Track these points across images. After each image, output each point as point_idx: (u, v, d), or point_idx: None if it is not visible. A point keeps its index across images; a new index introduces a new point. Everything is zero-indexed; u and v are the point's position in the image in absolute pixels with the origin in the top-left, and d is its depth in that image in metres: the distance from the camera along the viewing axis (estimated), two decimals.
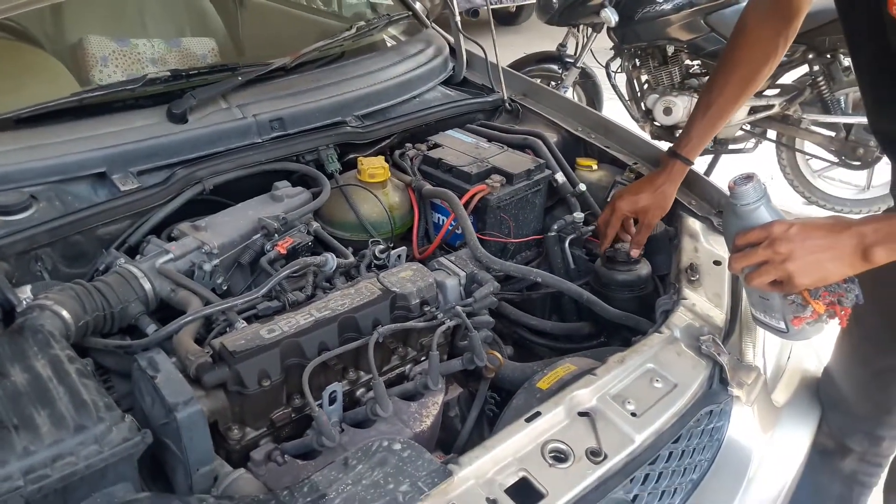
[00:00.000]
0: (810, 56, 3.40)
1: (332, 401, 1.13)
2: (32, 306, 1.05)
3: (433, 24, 2.04)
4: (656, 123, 3.81)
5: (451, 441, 1.33)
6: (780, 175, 3.92)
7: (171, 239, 1.29)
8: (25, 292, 1.13)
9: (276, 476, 1.05)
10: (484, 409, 1.36)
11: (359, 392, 1.22)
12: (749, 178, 1.13)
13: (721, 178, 3.78)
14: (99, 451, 0.86)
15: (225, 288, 1.30)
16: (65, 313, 1.05)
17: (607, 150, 1.74)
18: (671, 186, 1.47)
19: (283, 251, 1.29)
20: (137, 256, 1.26)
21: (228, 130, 1.46)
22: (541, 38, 4.13)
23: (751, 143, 3.80)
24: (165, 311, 1.22)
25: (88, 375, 0.95)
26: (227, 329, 1.16)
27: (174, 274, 1.20)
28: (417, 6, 2.06)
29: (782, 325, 1.16)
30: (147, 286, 1.17)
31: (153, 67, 1.97)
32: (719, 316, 1.33)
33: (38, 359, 0.95)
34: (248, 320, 1.19)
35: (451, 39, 1.98)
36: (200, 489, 0.99)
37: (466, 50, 1.99)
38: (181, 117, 1.42)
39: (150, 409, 1.01)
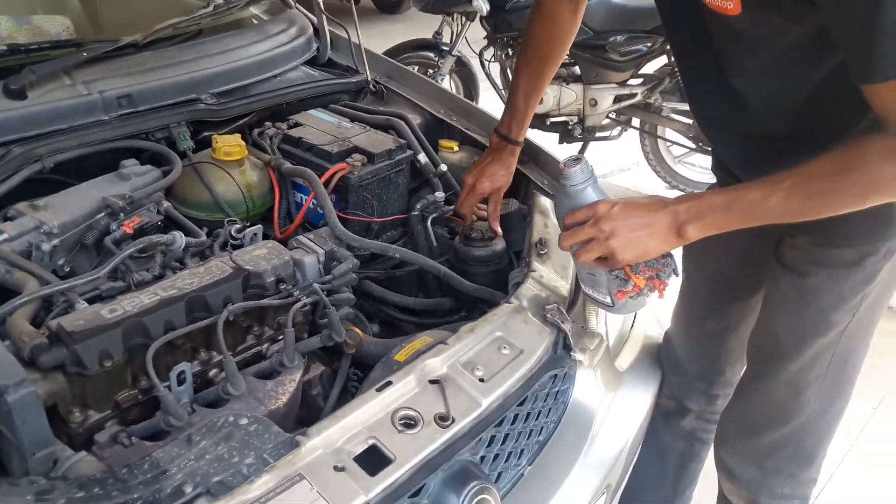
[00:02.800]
0: (668, 46, 3.61)
1: (180, 381, 1.11)
2: None
3: (297, 5, 2.02)
4: None
5: (313, 419, 1.33)
6: (644, 161, 4.15)
7: (7, 219, 1.22)
8: None
9: (121, 458, 1.02)
10: (347, 385, 1.37)
11: (212, 373, 1.20)
12: (577, 160, 1.20)
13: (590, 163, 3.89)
14: None
15: (67, 270, 1.25)
16: None
17: (468, 132, 1.79)
18: (513, 165, 1.58)
19: (130, 231, 1.25)
20: None
21: (72, 107, 1.39)
22: (422, 27, 4.18)
23: (616, 131, 4.01)
24: (2, 295, 1.16)
25: None
26: (68, 311, 1.11)
27: (8, 254, 1.14)
28: None
29: (608, 300, 1.24)
30: None
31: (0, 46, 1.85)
32: (565, 287, 1.41)
33: None
34: (91, 302, 1.15)
35: (315, 20, 1.97)
36: (37, 474, 0.96)
37: (332, 32, 1.99)
38: (19, 93, 1.35)
39: None
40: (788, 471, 1.44)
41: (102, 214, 1.27)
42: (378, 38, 4.19)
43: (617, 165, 4.46)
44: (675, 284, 1.60)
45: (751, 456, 1.47)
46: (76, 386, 1.05)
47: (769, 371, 1.39)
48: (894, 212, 1.17)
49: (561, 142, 4.00)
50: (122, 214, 1.27)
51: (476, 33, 3.96)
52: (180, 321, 1.14)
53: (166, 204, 1.37)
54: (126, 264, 1.20)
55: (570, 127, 3.95)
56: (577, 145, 4.03)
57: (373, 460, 1.00)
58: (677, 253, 1.21)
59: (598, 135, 4.00)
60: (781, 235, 1.31)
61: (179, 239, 1.26)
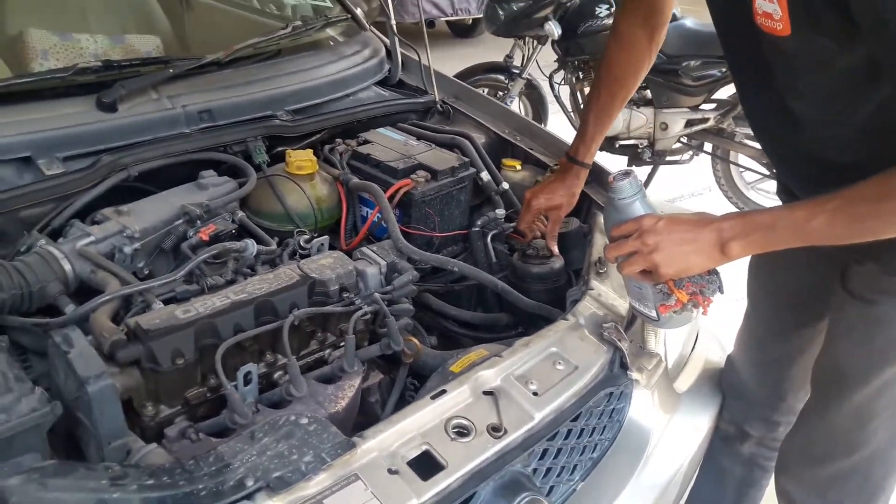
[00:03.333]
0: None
1: (247, 381, 1.16)
2: None
3: (372, 28, 2.10)
4: None
5: (371, 425, 1.37)
6: (716, 186, 4.07)
7: (94, 223, 1.31)
8: None
9: (189, 452, 1.08)
10: (404, 394, 1.40)
11: (276, 375, 1.26)
12: (627, 174, 1.21)
13: (659, 188, 3.90)
14: (6, 420, 0.88)
15: (147, 272, 1.33)
16: None
17: (531, 151, 1.82)
18: (577, 186, 1.58)
19: (206, 238, 1.32)
20: (60, 239, 1.28)
21: (156, 120, 1.49)
22: (495, 50, 4.23)
23: (687, 155, 3.95)
24: (87, 293, 1.24)
25: (1, 348, 0.97)
26: (145, 310, 1.19)
27: (94, 255, 1.22)
28: (357, 11, 2.12)
29: (653, 314, 1.24)
30: (67, 267, 1.19)
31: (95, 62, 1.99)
32: (623, 306, 1.40)
33: None
34: (167, 303, 1.22)
35: (388, 42, 2.04)
36: (112, 461, 1.02)
37: (404, 54, 2.05)
38: (110, 106, 1.45)
39: (64, 384, 1.04)
40: (852, 503, 1.39)
41: (181, 221, 1.35)
42: (452, 60, 4.27)
43: (688, 190, 4.38)
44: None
45: (814, 486, 1.42)
46: (150, 381, 1.11)
47: (833, 399, 1.34)
48: None
49: (630, 164, 3.97)
50: (198, 222, 1.34)
51: (547, 57, 3.99)
52: (249, 324, 1.19)
53: (241, 213, 1.44)
54: (200, 269, 1.27)
55: (639, 150, 3.91)
56: (674, 171, 3.97)
57: (426, 466, 1.03)
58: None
59: (668, 159, 3.95)
60: (847, 262, 1.28)
61: (251, 247, 1.32)
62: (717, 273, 1.19)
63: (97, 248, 1.25)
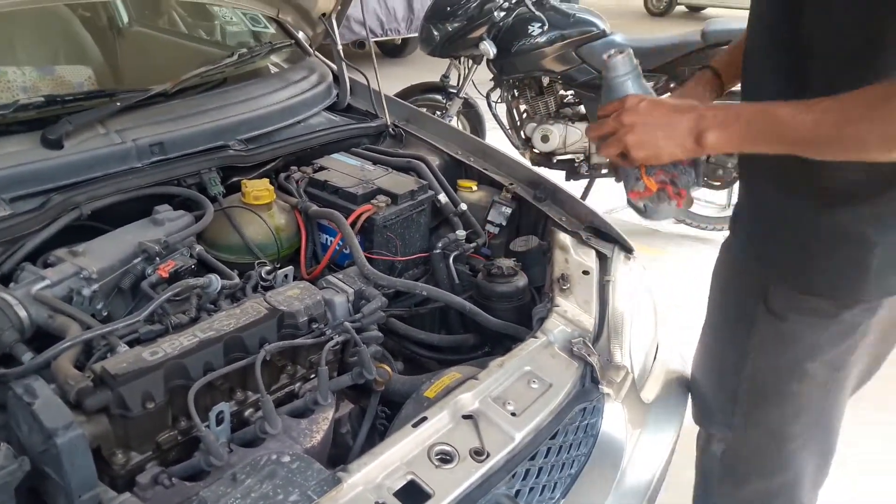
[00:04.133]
0: (672, 85, 3.68)
1: (219, 421, 1.13)
2: None
3: (316, 53, 2.09)
4: (535, 150, 4.00)
5: (343, 457, 1.35)
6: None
7: (46, 265, 1.25)
8: None
9: (163, 499, 1.04)
10: (375, 423, 1.39)
11: (247, 412, 1.23)
12: (622, 51, 1.16)
13: (596, 200, 3.96)
14: None
15: (105, 314, 1.28)
16: None
17: (486, 172, 1.83)
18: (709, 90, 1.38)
19: (165, 275, 1.28)
20: (11, 284, 1.22)
21: (106, 155, 1.44)
22: (426, 69, 4.26)
23: None
24: (44, 339, 1.18)
25: None
26: (108, 354, 1.14)
27: (51, 300, 1.17)
28: (300, 35, 2.10)
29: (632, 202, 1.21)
30: (22, 313, 1.14)
31: (24, 95, 1.91)
32: (589, 321, 1.43)
33: None
34: (131, 345, 1.17)
35: (335, 67, 2.03)
36: None
37: (350, 78, 2.05)
38: (56, 143, 1.40)
39: (28, 437, 0.98)
40: None
41: (139, 259, 1.30)
42: (384, 81, 4.26)
43: (622, 202, 4.49)
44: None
45: (744, 501, 1.45)
46: (119, 428, 1.07)
47: (752, 417, 1.37)
48: (870, 267, 1.14)
49: (568, 179, 4.06)
50: (157, 259, 1.30)
51: (482, 75, 4.04)
52: (219, 362, 1.16)
53: (199, 248, 1.40)
54: (163, 307, 1.23)
55: (576, 164, 4.00)
56: (610, 184, 4.06)
57: (412, 495, 1.02)
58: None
59: (603, 171, 4.05)
60: (769, 282, 1.28)
61: (216, 282, 1.29)
62: (696, 165, 1.15)
63: (53, 291, 1.20)
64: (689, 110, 1.07)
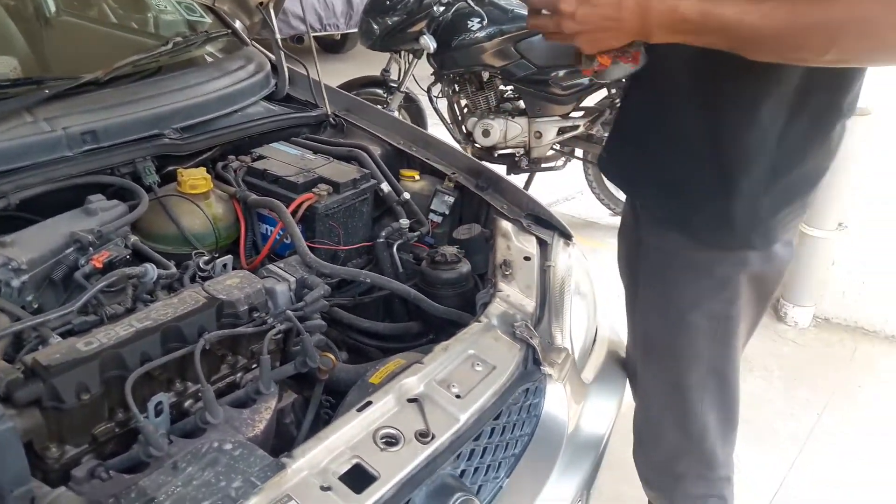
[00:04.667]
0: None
1: (158, 412, 1.10)
2: None
3: (253, 43, 2.06)
4: (477, 145, 4.03)
5: (287, 447, 1.33)
6: (588, 190, 4.27)
7: None
8: None
9: (100, 492, 1.01)
10: (320, 412, 1.38)
11: (187, 403, 1.20)
12: None
13: (536, 193, 4.06)
14: None
15: (36, 306, 1.23)
16: None
17: (428, 161, 1.84)
18: None
19: (99, 265, 1.25)
20: None
21: (34, 144, 1.39)
22: (367, 65, 4.25)
23: (561, 162, 4.13)
24: None
25: None
26: (40, 346, 1.10)
27: None
28: (237, 25, 2.07)
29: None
30: None
31: None
32: (530, 304, 1.45)
33: None
34: (64, 336, 1.14)
35: (273, 57, 2.01)
36: None
37: (289, 68, 2.02)
38: None
39: None
40: (696, 473, 1.50)
41: (71, 249, 1.26)
42: (325, 76, 4.22)
43: (562, 195, 4.57)
44: None
45: (658, 464, 1.54)
46: (52, 421, 1.03)
47: (650, 372, 1.47)
48: (735, 219, 1.23)
49: (509, 173, 4.10)
50: (90, 249, 1.26)
51: (423, 70, 4.05)
52: (156, 352, 1.13)
53: (134, 238, 1.37)
54: (97, 298, 1.19)
55: (517, 158, 4.05)
56: (524, 176, 4.13)
57: (358, 479, 1.02)
58: None
59: (543, 165, 4.11)
60: (638, 216, 1.42)
61: (151, 271, 1.26)
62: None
63: None
64: (630, 8, 1.05)
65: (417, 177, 1.81)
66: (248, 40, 2.03)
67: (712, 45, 1.06)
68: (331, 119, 1.93)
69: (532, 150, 4.02)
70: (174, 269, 1.35)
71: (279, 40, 1.93)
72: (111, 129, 1.50)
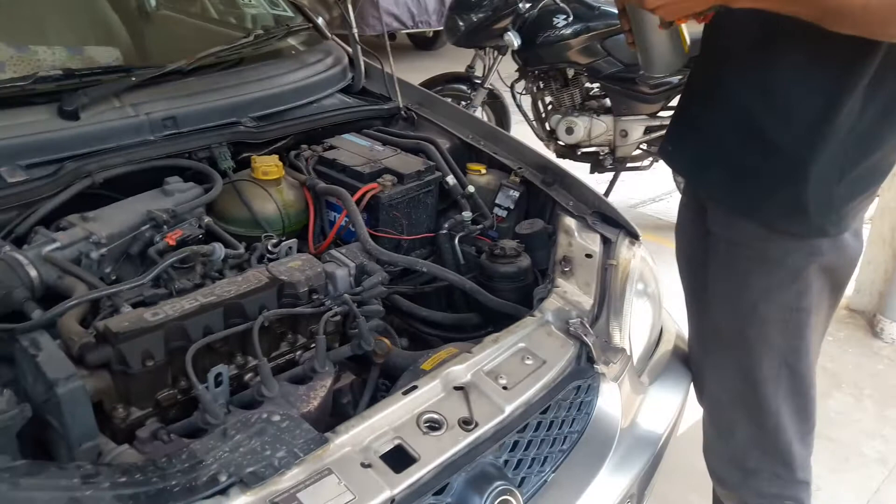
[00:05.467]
0: None
1: (217, 383, 1.16)
2: None
3: (333, 37, 2.12)
4: (560, 142, 4.00)
5: None
6: (676, 191, 4.16)
7: (59, 230, 1.30)
8: None
9: (160, 453, 1.08)
10: (376, 395, 1.41)
11: (247, 377, 1.26)
12: None
13: (621, 194, 3.96)
14: None
15: (114, 278, 1.32)
16: None
17: (495, 156, 1.85)
18: None
19: (172, 242, 1.33)
20: (24, 246, 1.27)
21: (120, 127, 1.49)
22: (456, 62, 4.29)
23: (647, 162, 4.03)
24: (53, 300, 1.23)
25: None
26: (113, 314, 1.18)
27: (60, 261, 1.22)
28: (319, 21, 2.14)
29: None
30: (32, 273, 1.19)
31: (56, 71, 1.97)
32: (588, 302, 1.44)
33: None
34: (135, 307, 1.21)
35: (350, 51, 2.06)
36: None
37: (366, 62, 2.08)
38: (72, 114, 1.45)
39: (32, 388, 1.03)
40: (771, 471, 1.45)
41: (147, 227, 1.35)
42: (414, 72, 4.29)
43: (648, 195, 4.48)
44: None
45: (730, 458, 1.49)
46: (120, 384, 1.11)
47: (721, 364, 1.43)
48: (808, 205, 1.21)
49: (592, 171, 4.05)
50: (165, 227, 1.35)
51: (509, 66, 4.05)
52: (218, 326, 1.20)
53: (207, 219, 1.44)
54: (168, 273, 1.27)
55: (601, 157, 3.99)
56: (609, 175, 4.07)
57: (398, 459, 1.04)
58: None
59: (629, 165, 4.03)
60: (706, 210, 1.39)
61: (219, 250, 1.33)
62: None
63: (63, 253, 1.25)
64: None
65: (484, 171, 1.82)
66: (329, 34, 2.09)
67: (795, 14, 1.05)
68: (402, 112, 1.96)
69: (617, 149, 3.96)
70: (242, 250, 1.42)
71: (356, 35, 1.98)
72: (191, 115, 1.59)
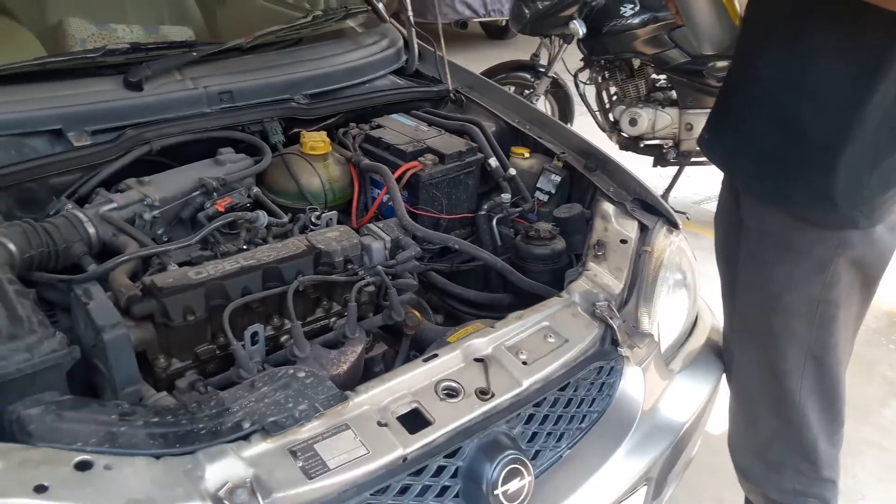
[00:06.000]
0: None
1: (254, 341, 1.24)
2: None
3: (391, 20, 2.17)
4: (623, 134, 3.96)
5: None
6: None
7: (117, 192, 1.41)
8: None
9: (193, 399, 1.16)
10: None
11: (283, 339, 1.33)
12: None
13: (685, 189, 3.90)
14: (29, 359, 0.97)
15: (165, 239, 1.42)
16: (11, 245, 1.17)
17: (540, 140, 1.87)
18: None
19: (221, 209, 1.41)
20: (85, 206, 1.37)
21: (179, 99, 1.58)
22: (528, 51, 4.29)
23: None
24: (108, 256, 1.33)
25: (25, 295, 1.06)
26: (161, 271, 1.27)
27: (116, 220, 1.32)
28: (378, 3, 2.20)
29: None
30: (91, 230, 1.29)
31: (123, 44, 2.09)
32: (618, 286, 1.45)
33: None
34: (181, 266, 1.30)
35: (406, 34, 2.11)
36: None
37: (421, 45, 2.12)
38: (136, 85, 1.55)
39: (84, 333, 1.12)
40: (795, 467, 1.44)
41: (198, 192, 1.44)
42: (484, 60, 4.31)
43: (713, 192, 4.37)
44: None
45: (754, 450, 1.49)
46: (163, 336, 1.20)
47: (746, 354, 1.43)
48: (836, 194, 1.20)
49: (655, 165, 3.99)
50: (215, 194, 1.43)
51: (574, 56, 4.03)
52: (257, 288, 1.27)
53: (256, 189, 1.52)
54: (215, 236, 1.36)
55: (664, 150, 3.93)
56: (672, 169, 4.00)
57: (414, 421, 1.09)
58: None
59: (693, 159, 3.95)
60: (738, 196, 1.40)
61: (262, 217, 1.40)
62: None
63: (119, 213, 1.35)
64: None
65: (528, 154, 1.84)
66: (387, 17, 2.15)
67: None
68: (451, 95, 2.00)
69: (682, 143, 3.89)
70: (286, 220, 1.49)
71: (411, 18, 2.03)
72: (246, 90, 1.67)
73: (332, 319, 1.41)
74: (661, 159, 3.99)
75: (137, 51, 1.60)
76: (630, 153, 4.00)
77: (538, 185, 1.80)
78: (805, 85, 1.20)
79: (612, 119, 4.00)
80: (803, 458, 1.44)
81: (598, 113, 4.09)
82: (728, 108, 1.41)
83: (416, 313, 1.45)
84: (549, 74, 4.05)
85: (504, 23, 7.99)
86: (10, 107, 1.43)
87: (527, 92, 4.10)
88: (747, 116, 1.33)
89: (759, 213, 1.34)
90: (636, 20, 3.66)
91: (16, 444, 0.91)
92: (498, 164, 1.78)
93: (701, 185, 4.30)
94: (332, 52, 1.89)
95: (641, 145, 3.99)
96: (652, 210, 1.66)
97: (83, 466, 0.90)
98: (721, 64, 3.61)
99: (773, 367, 1.40)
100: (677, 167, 4.02)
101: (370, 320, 1.41)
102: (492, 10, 7.25)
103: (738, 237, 1.44)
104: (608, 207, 1.65)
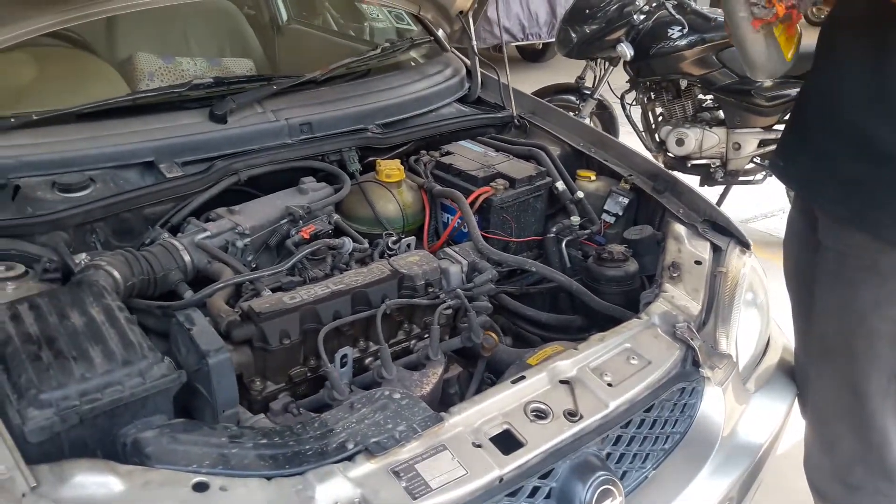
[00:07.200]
0: None
1: (343, 363, 1.28)
2: (89, 265, 1.23)
3: (453, 49, 2.23)
4: (669, 154, 3.95)
5: None
6: (788, 207, 4.01)
7: (208, 220, 1.47)
8: (81, 258, 1.31)
9: (290, 422, 1.20)
10: (481, 387, 1.49)
11: (367, 361, 1.37)
12: None
13: (732, 208, 3.88)
14: (142, 383, 1.01)
15: (254, 266, 1.47)
16: (116, 273, 1.22)
17: (606, 163, 1.89)
18: None
19: (307, 236, 1.46)
20: (178, 234, 1.43)
21: (263, 131, 1.65)
22: (565, 74, 4.32)
23: (760, 176, 3.92)
24: (201, 284, 1.38)
25: (135, 322, 1.11)
26: (255, 297, 1.32)
27: (210, 247, 1.37)
28: (439, 33, 2.25)
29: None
30: (186, 257, 1.34)
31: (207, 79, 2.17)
32: (696, 307, 1.46)
33: (93, 306, 1.10)
34: (274, 292, 1.35)
35: (469, 62, 2.16)
36: None
37: (483, 72, 2.17)
38: (221, 118, 1.62)
39: (185, 359, 1.17)
40: (875, 487, 1.42)
41: (285, 221, 1.49)
42: (523, 83, 4.33)
43: (760, 211, 4.34)
44: None
45: (832, 472, 1.47)
46: (259, 359, 1.24)
47: (826, 376, 1.42)
48: None
49: (702, 184, 3.97)
50: (300, 222, 1.48)
51: (618, 77, 4.05)
52: (346, 311, 1.31)
53: (336, 216, 1.57)
54: (303, 263, 1.40)
55: (712, 170, 3.92)
56: (719, 189, 3.98)
57: (506, 442, 1.11)
58: None
59: (741, 179, 3.93)
60: (816, 218, 1.39)
61: (348, 244, 1.45)
62: None
63: (212, 241, 1.40)
64: None
65: (594, 177, 1.87)
66: (449, 47, 2.20)
67: None
68: (515, 120, 2.04)
69: (729, 162, 3.87)
70: (367, 245, 1.53)
71: (475, 47, 2.08)
72: (325, 121, 1.74)
73: (413, 342, 1.44)
74: (707, 179, 3.97)
75: (220, 84, 1.67)
76: (676, 173, 3.98)
77: (605, 208, 1.82)
78: (888, 108, 1.20)
79: (658, 139, 4.00)
80: (884, 478, 1.43)
81: (644, 133, 4.10)
82: (805, 132, 1.41)
83: (493, 335, 1.48)
84: (595, 97, 4.07)
85: (540, 46, 8.07)
86: (106, 140, 1.50)
87: (572, 114, 4.11)
88: (827, 140, 1.33)
89: (839, 235, 1.34)
90: (684, 42, 3.67)
91: (136, 466, 0.95)
92: (565, 187, 1.80)
93: (747, 205, 4.27)
94: (400, 83, 1.95)
95: (688, 165, 3.98)
96: (723, 231, 1.67)
97: (200, 487, 0.94)
98: (769, 83, 3.60)
99: (855, 389, 1.39)
100: (723, 187, 4.00)
101: (449, 342, 1.44)
102: (530, 33, 7.32)
103: (811, 259, 1.44)
104: (680, 229, 1.66)
